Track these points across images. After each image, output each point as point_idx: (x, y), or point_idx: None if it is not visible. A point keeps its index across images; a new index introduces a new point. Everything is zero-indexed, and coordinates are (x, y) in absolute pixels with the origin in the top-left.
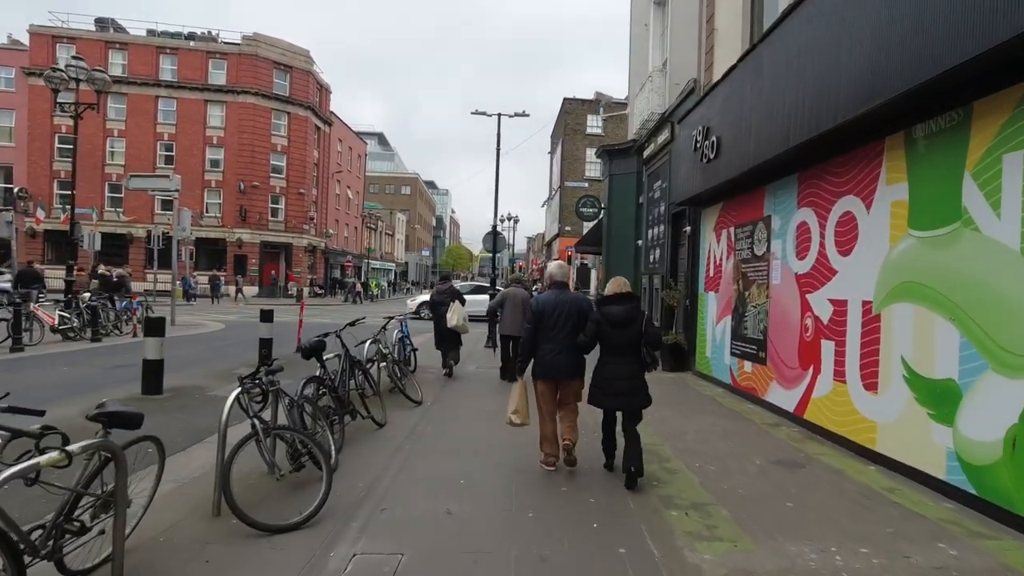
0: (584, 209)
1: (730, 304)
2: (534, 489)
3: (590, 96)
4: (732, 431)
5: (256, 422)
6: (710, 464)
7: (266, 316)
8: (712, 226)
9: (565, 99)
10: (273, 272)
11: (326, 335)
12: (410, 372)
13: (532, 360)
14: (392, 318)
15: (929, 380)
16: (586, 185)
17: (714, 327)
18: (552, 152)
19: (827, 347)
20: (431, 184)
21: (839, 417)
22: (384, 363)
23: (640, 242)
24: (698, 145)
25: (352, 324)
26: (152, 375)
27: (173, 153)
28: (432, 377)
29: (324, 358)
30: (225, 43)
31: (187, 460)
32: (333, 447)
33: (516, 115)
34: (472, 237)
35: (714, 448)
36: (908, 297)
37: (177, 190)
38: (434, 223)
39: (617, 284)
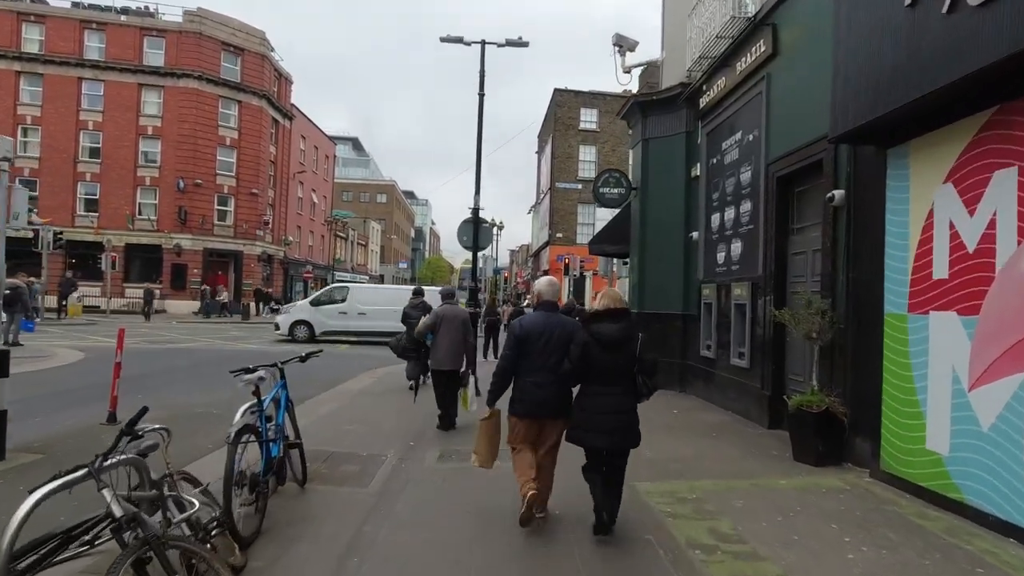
0: (605, 190)
1: None
2: None
3: (584, 88)
4: None
5: None
6: None
7: None
8: (943, 172)
9: (556, 90)
10: (221, 285)
11: None
12: (263, 506)
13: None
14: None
15: None
16: (579, 187)
17: (959, 391)
18: (540, 151)
19: None
20: (410, 194)
21: None
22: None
23: (695, 235)
24: None
25: None
26: None
27: (99, 144)
28: (344, 493)
29: None
30: (164, 20)
31: None
32: None
33: (509, 43)
34: (453, 251)
35: None
36: None
37: (6, 159)
38: (413, 234)
39: (610, 297)
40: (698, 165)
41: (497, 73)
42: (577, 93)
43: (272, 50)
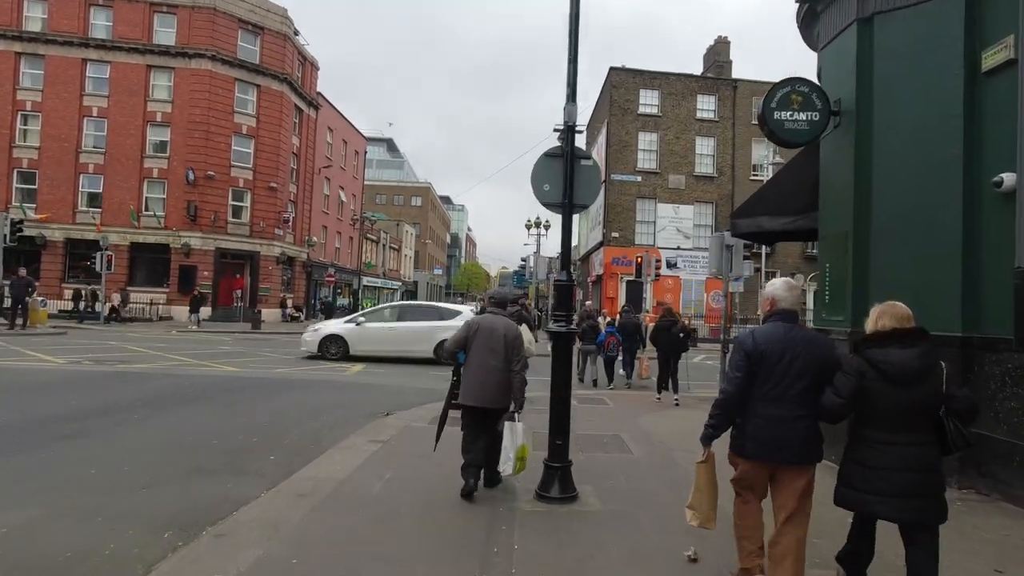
0: (784, 115)
1: None
2: None
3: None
4: None
5: None
6: None
7: None
8: None
9: (612, 69)
10: (239, 289)
11: None
12: None
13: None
14: None
15: None
16: (638, 179)
17: None
18: (591, 142)
19: None
20: (446, 199)
21: None
22: None
23: (1006, 179)
24: None
25: None
26: None
27: (104, 132)
28: None
29: None
30: None
31: None
32: None
33: None
34: (491, 256)
35: None
36: None
37: None
38: (449, 240)
39: (894, 316)
40: (1007, 43)
41: (519, 79)
42: (635, 72)
43: (296, 32)
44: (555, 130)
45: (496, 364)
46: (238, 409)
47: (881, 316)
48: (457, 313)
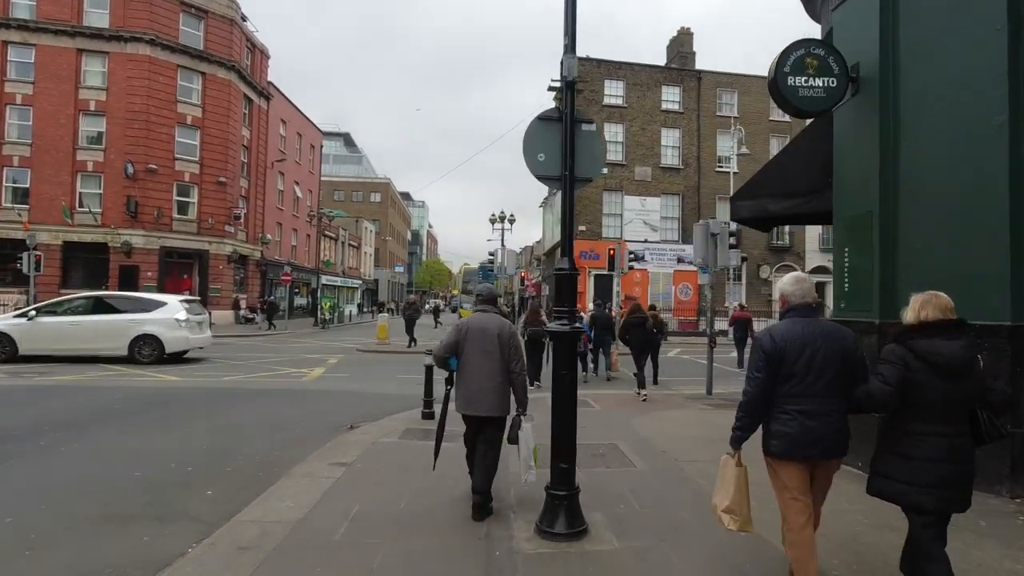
0: (798, 80)
1: None
2: None
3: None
4: None
5: None
6: None
7: None
8: None
9: (577, 59)
10: (187, 290)
11: None
12: None
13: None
14: None
15: None
16: (604, 171)
17: None
18: None
19: None
20: (406, 195)
21: None
22: None
23: None
24: None
25: None
26: None
27: (29, 122)
28: None
29: None
30: None
31: None
32: None
33: None
34: (452, 252)
35: None
36: None
37: None
38: (409, 237)
39: (937, 306)
40: None
41: (484, 70)
42: (600, 63)
43: (244, 17)
44: (550, 88)
45: (492, 367)
46: (174, 428)
47: (924, 306)
48: (161, 304)
